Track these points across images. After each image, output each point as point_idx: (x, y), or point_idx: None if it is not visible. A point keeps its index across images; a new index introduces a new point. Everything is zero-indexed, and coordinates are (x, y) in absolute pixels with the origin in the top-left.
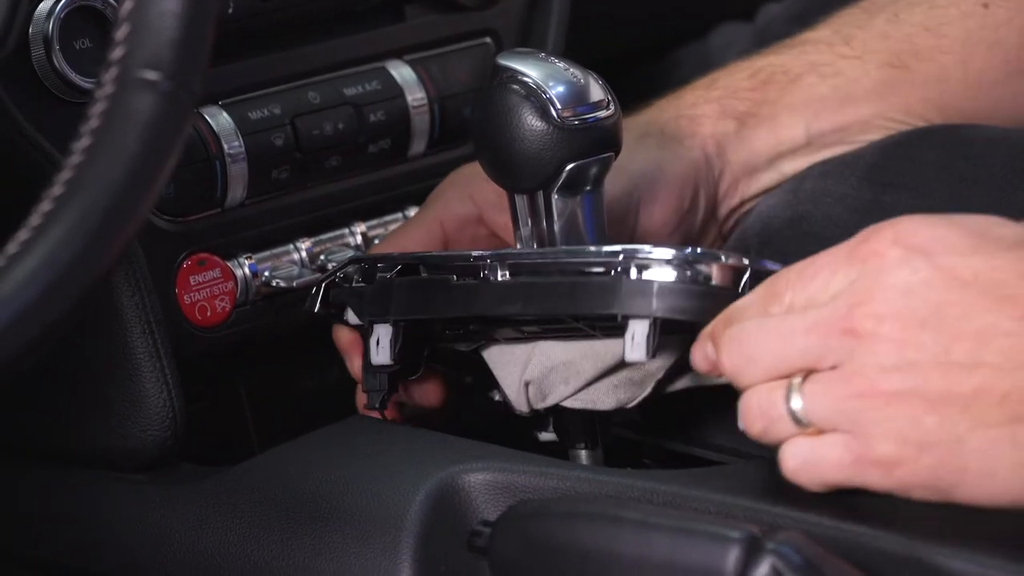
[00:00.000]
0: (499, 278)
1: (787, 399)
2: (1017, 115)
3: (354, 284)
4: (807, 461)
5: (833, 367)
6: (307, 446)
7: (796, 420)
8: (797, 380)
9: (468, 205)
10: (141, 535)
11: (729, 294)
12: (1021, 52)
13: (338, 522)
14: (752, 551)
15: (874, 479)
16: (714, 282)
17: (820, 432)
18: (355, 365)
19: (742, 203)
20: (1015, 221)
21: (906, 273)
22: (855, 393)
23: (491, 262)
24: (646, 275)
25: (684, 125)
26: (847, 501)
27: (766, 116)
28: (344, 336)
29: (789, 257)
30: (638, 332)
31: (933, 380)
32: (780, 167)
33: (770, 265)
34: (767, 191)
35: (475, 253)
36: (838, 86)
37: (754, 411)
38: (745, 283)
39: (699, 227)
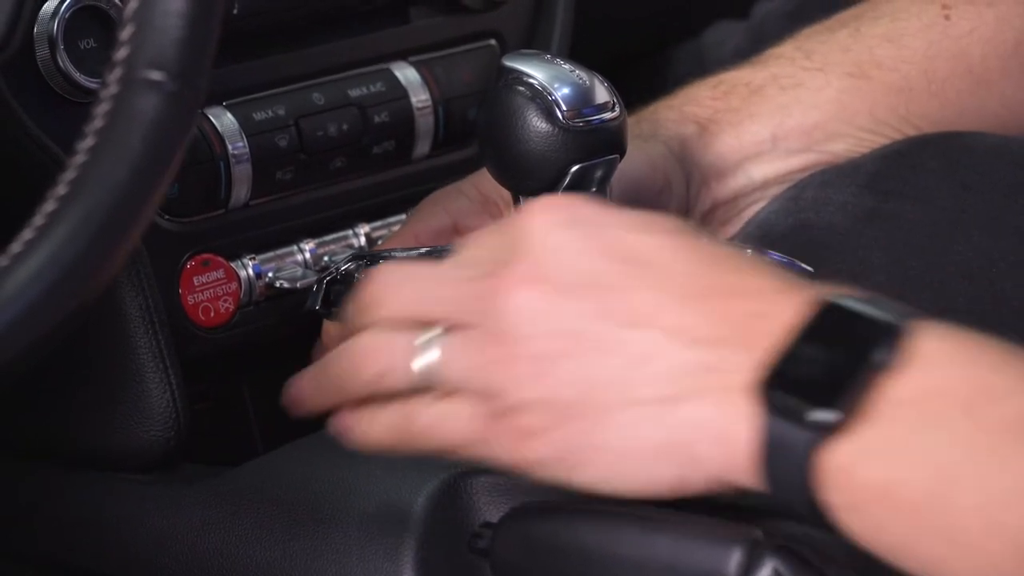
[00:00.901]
0: None
1: (418, 350)
2: (984, 123)
3: (356, 281)
4: (436, 420)
5: (475, 327)
6: (310, 447)
7: (423, 375)
8: (436, 332)
9: (441, 216)
10: (144, 535)
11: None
12: (985, 62)
13: (340, 523)
14: (754, 554)
15: (502, 449)
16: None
17: (447, 394)
18: None
19: (715, 206)
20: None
21: (562, 238)
22: (497, 356)
23: None
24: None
25: (645, 128)
26: None
27: (729, 123)
28: (334, 330)
29: None
30: None
31: (568, 349)
32: (748, 171)
33: (775, 255)
34: (738, 196)
35: None
36: (800, 96)
37: (376, 351)
38: None
39: None
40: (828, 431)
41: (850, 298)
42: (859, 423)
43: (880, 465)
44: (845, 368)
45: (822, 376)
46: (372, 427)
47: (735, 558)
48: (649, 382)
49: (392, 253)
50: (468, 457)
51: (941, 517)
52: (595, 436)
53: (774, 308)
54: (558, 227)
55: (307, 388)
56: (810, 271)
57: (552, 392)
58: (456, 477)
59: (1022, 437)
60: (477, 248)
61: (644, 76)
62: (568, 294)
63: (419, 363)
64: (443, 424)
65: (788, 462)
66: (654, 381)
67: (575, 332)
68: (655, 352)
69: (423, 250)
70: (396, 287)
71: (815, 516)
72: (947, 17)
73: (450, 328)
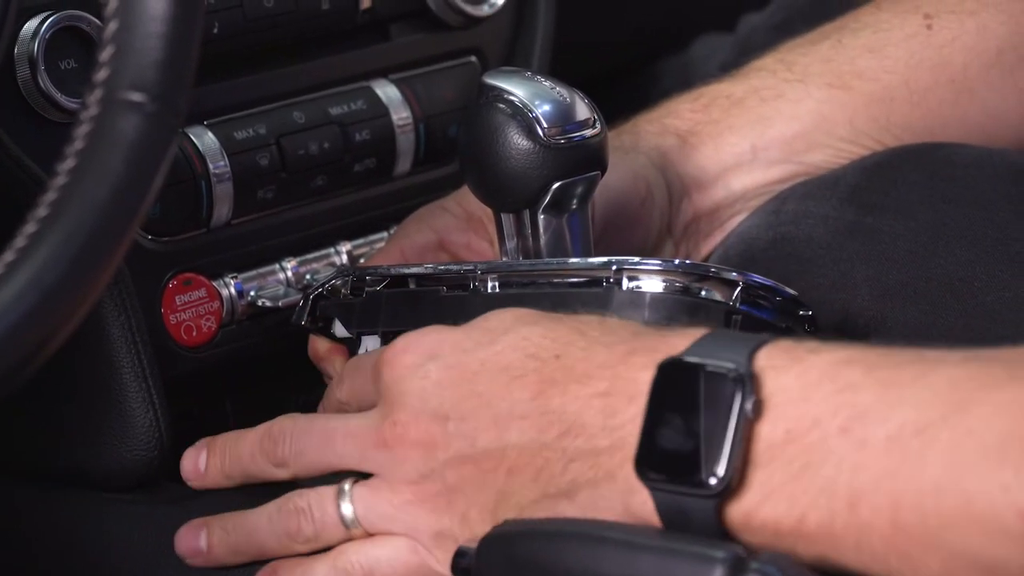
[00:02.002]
0: (489, 289)
1: (337, 503)
2: (966, 133)
3: (342, 296)
4: (372, 566)
5: (376, 475)
6: None
7: (346, 524)
8: (347, 485)
9: (427, 233)
10: (127, 555)
11: (719, 306)
12: (967, 71)
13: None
14: (736, 571)
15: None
16: (704, 294)
17: (371, 536)
18: (336, 371)
19: (696, 217)
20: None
21: (419, 378)
22: (402, 501)
23: (481, 274)
24: (637, 286)
25: (626, 140)
26: None
27: (709, 135)
28: (321, 346)
29: (772, 278)
30: None
31: (466, 475)
32: (728, 183)
33: (759, 279)
34: (719, 207)
35: (465, 265)
36: (780, 108)
37: (305, 512)
38: (737, 296)
39: (654, 239)
40: (720, 488)
41: (688, 352)
42: (751, 472)
43: (783, 504)
44: (713, 434)
45: (693, 448)
46: None
47: (718, 575)
48: (544, 483)
49: (378, 269)
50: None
51: (852, 535)
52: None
53: (618, 384)
54: (413, 371)
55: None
56: (794, 294)
57: (460, 520)
58: None
59: (908, 451)
60: (355, 381)
61: (631, 90)
62: (440, 428)
63: (341, 515)
64: (381, 568)
65: (697, 523)
66: (549, 480)
67: (455, 460)
68: (534, 456)
69: (410, 267)
70: (308, 441)
71: (748, 553)
72: (929, 27)
73: (356, 480)
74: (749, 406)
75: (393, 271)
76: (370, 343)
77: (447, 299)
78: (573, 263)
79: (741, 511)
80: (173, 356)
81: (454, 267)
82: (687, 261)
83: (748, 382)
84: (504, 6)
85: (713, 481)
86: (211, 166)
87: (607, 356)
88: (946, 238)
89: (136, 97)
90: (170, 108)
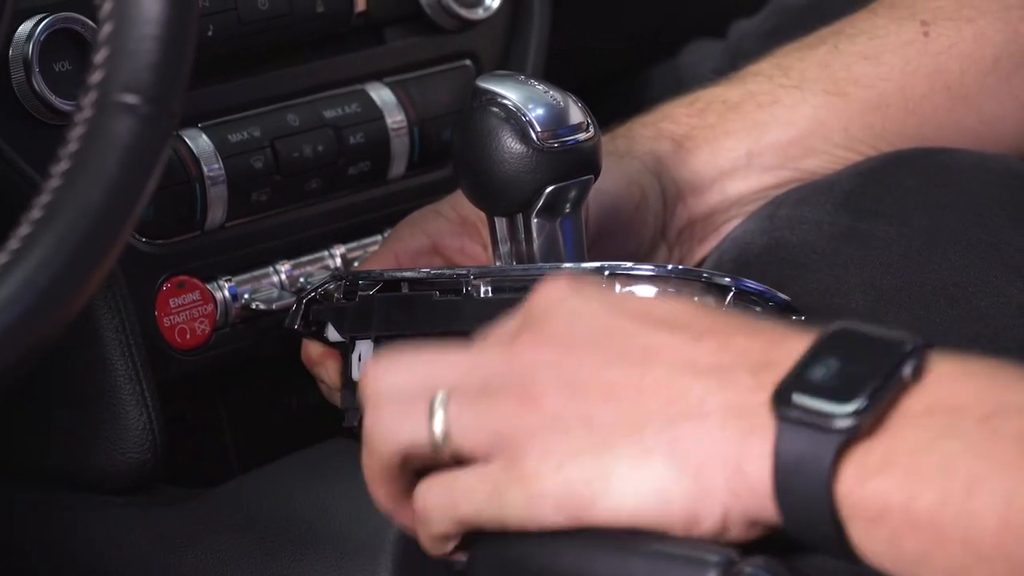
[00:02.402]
0: (482, 294)
1: (429, 418)
2: (962, 140)
3: (335, 300)
4: (447, 491)
5: (486, 386)
6: (287, 468)
7: (435, 445)
8: (440, 396)
9: (420, 238)
10: (120, 558)
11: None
12: (964, 78)
13: (318, 545)
14: (730, 574)
15: (516, 498)
16: (696, 299)
17: (457, 463)
18: (329, 375)
19: (691, 223)
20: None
21: (573, 302)
22: (507, 410)
23: (474, 279)
24: (629, 291)
25: (621, 145)
26: None
27: (705, 139)
28: (314, 350)
29: (766, 283)
30: None
31: (589, 395)
32: (723, 188)
33: (751, 284)
34: (714, 212)
35: (458, 269)
36: (776, 113)
37: (389, 429)
38: (729, 302)
39: (648, 243)
40: (850, 434)
41: (859, 325)
42: (878, 431)
43: (899, 475)
44: (864, 376)
45: (839, 383)
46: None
47: None
48: (655, 413)
49: (371, 273)
50: (494, 521)
51: (960, 526)
52: (604, 471)
53: (781, 342)
54: (567, 295)
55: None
56: (787, 300)
57: (562, 434)
58: None
59: None
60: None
61: (622, 96)
62: (577, 348)
63: (436, 424)
64: (455, 492)
65: (808, 478)
66: (659, 411)
67: (583, 381)
68: (661, 385)
69: (404, 272)
70: (410, 363)
71: (831, 537)
72: (926, 34)
73: (457, 390)
74: (909, 370)
75: (386, 275)
76: (363, 347)
77: (440, 303)
78: (566, 268)
79: (856, 473)
80: (167, 359)
81: (447, 271)
82: (680, 266)
83: (918, 350)
84: (499, 10)
85: (844, 422)
86: (205, 169)
87: (764, 325)
88: (940, 243)
89: (130, 99)
90: (164, 110)
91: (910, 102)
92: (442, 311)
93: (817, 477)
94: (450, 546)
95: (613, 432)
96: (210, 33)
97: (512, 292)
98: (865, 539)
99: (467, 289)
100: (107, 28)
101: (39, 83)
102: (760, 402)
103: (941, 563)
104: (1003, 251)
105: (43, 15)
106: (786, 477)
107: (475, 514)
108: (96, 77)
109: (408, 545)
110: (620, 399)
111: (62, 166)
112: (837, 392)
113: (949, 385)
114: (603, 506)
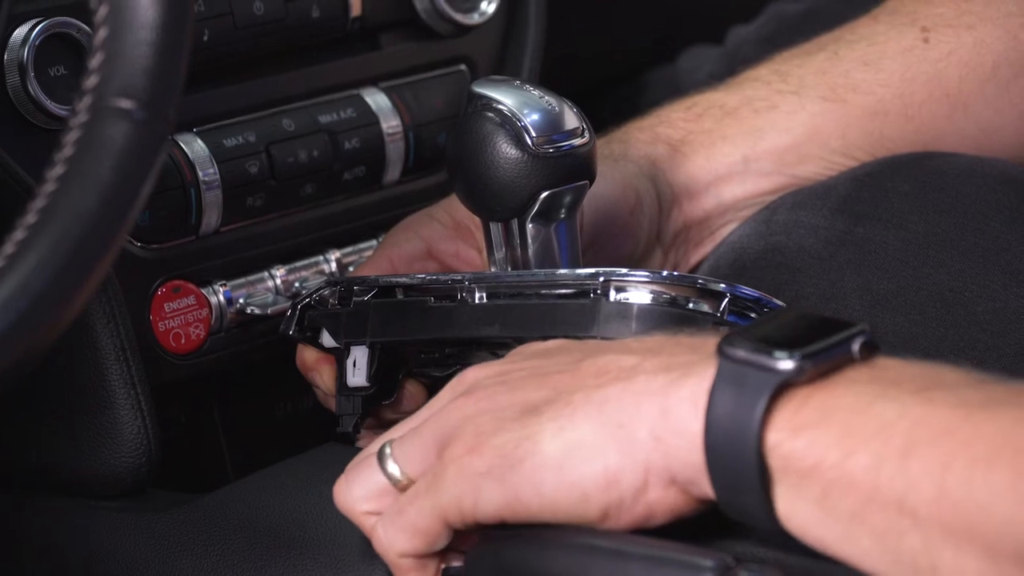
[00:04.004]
0: (476, 300)
1: (382, 468)
2: (960, 148)
3: (330, 306)
4: (397, 510)
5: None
6: (281, 473)
7: (394, 482)
8: (385, 447)
9: (415, 242)
10: (115, 563)
11: (708, 317)
12: (962, 85)
13: (312, 550)
14: None
15: (448, 482)
16: (691, 306)
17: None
18: (324, 380)
19: (687, 227)
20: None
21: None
22: (440, 424)
23: (468, 284)
24: (624, 297)
25: (616, 149)
26: None
27: (701, 144)
28: (310, 355)
29: (763, 287)
30: None
31: (523, 386)
32: (719, 193)
33: (746, 291)
34: (710, 216)
35: (453, 275)
36: (773, 119)
37: (359, 493)
38: (724, 307)
39: (643, 248)
40: (789, 377)
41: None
42: (817, 389)
43: (835, 432)
44: (812, 336)
45: (788, 336)
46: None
47: None
48: (585, 384)
49: (366, 279)
50: (437, 511)
51: (896, 489)
52: (532, 434)
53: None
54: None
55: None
56: (782, 306)
57: (495, 415)
58: None
59: (973, 416)
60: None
61: (618, 102)
62: (515, 370)
63: (388, 476)
64: (413, 496)
65: (737, 419)
66: (590, 382)
67: (519, 380)
68: (596, 365)
69: (398, 278)
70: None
71: (756, 496)
72: (926, 40)
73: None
74: (856, 347)
75: (381, 281)
76: (358, 353)
77: (435, 310)
78: (561, 274)
79: (790, 424)
80: (161, 363)
81: (442, 278)
82: (675, 273)
83: (868, 336)
84: (494, 15)
85: (786, 364)
86: (200, 173)
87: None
88: (936, 248)
89: (125, 104)
90: (159, 115)
91: (909, 109)
92: (436, 317)
93: (749, 422)
94: (431, 567)
95: (543, 405)
96: (205, 38)
97: (506, 299)
98: (794, 499)
99: (462, 295)
100: (102, 33)
101: (34, 87)
102: (697, 359)
103: (874, 525)
104: (1000, 256)
105: (39, 20)
106: (717, 416)
107: (419, 513)
108: (91, 82)
109: None
110: (553, 384)
111: (57, 170)
112: (783, 342)
113: (892, 366)
114: (530, 465)
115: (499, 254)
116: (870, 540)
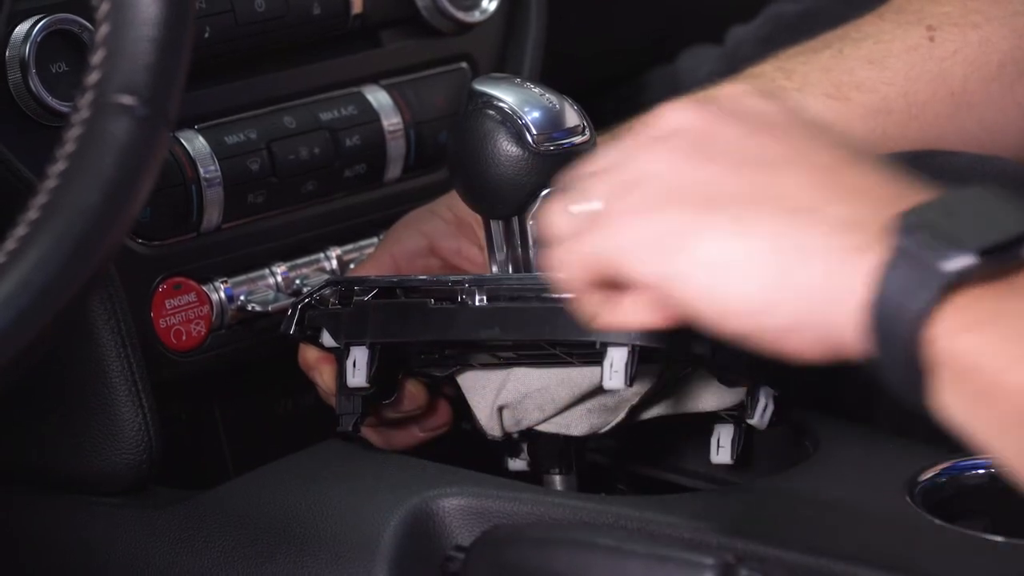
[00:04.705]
0: (477, 303)
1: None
2: (964, 147)
3: (330, 306)
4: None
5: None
6: (282, 470)
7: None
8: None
9: (417, 238)
10: (115, 559)
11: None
12: (967, 84)
13: (312, 547)
14: None
15: (614, 229)
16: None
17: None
18: (325, 379)
19: None
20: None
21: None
22: (621, 180)
23: (469, 287)
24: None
25: None
26: (820, 530)
27: None
28: (311, 354)
29: None
30: (617, 360)
31: (714, 166)
32: None
33: None
34: None
35: (453, 277)
36: None
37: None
38: None
39: None
40: (959, 278)
41: (1004, 193)
42: (987, 290)
43: (996, 339)
44: (990, 230)
45: (963, 229)
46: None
47: None
48: (771, 200)
49: (367, 279)
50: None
51: None
52: (699, 223)
53: (915, 188)
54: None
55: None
56: None
57: (672, 181)
58: (428, 500)
59: None
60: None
61: (619, 100)
62: (723, 122)
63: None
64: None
65: (902, 305)
66: (775, 201)
67: (716, 149)
68: (786, 185)
69: (399, 279)
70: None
71: (909, 377)
72: (931, 39)
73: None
74: None
75: (382, 282)
76: (358, 354)
77: (435, 311)
78: None
79: (953, 322)
80: (162, 360)
81: (443, 279)
82: None
83: None
84: (495, 13)
85: (958, 263)
86: (201, 171)
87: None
88: None
89: (127, 100)
90: (161, 112)
91: (913, 107)
92: (437, 319)
93: (913, 310)
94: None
95: (722, 196)
96: (206, 35)
97: (507, 301)
98: (949, 391)
99: (462, 297)
100: (104, 29)
101: (35, 84)
102: (878, 225)
103: (1018, 443)
104: None
105: (40, 16)
106: (883, 302)
107: (592, 250)
108: (93, 78)
109: (403, 547)
110: (748, 178)
111: (58, 167)
112: (959, 235)
113: None
114: (686, 259)
115: (500, 255)
116: (1016, 452)
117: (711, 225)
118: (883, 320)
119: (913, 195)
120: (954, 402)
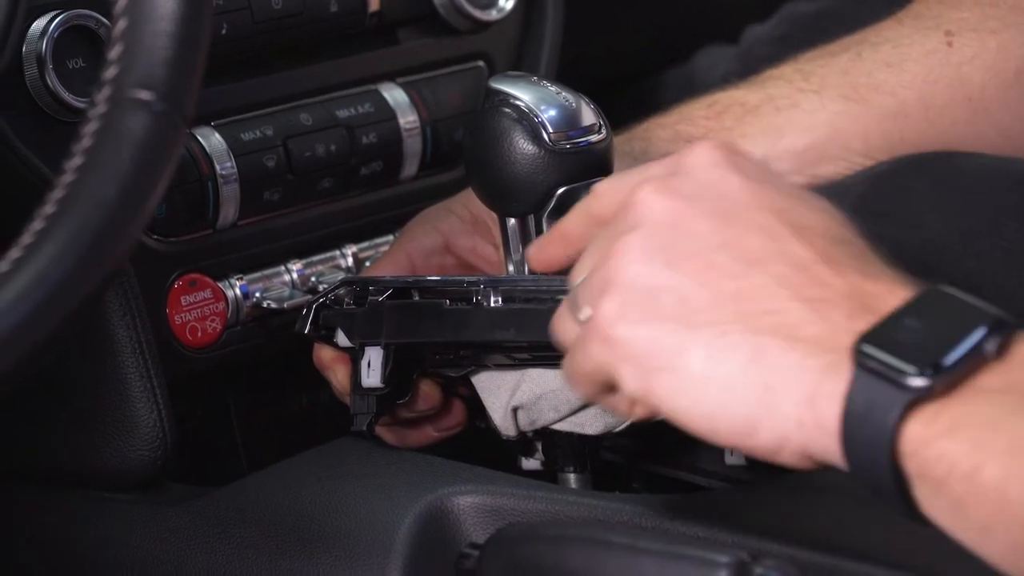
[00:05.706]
0: (492, 304)
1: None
2: (980, 151)
3: (345, 306)
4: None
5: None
6: (296, 467)
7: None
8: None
9: (433, 236)
10: (130, 555)
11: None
12: (985, 90)
13: (327, 544)
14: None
15: (593, 346)
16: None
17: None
18: (339, 379)
19: None
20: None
21: (721, 170)
22: (602, 279)
23: (484, 288)
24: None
25: (637, 146)
26: (833, 530)
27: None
28: (326, 354)
29: None
30: None
31: (691, 268)
32: None
33: None
34: None
35: (468, 278)
36: (793, 118)
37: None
38: None
39: None
40: (920, 394)
41: (957, 292)
42: (950, 398)
43: (966, 443)
44: (947, 343)
45: (921, 344)
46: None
47: None
48: (747, 316)
49: (382, 280)
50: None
51: (1022, 502)
52: (680, 344)
53: (886, 291)
54: (719, 163)
55: None
56: None
57: (650, 296)
58: (443, 498)
59: None
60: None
61: (635, 99)
62: (696, 210)
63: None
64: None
65: (872, 424)
66: (752, 317)
67: (688, 252)
68: (761, 293)
69: (412, 278)
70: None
71: (893, 492)
72: (950, 44)
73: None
74: (993, 346)
75: (397, 282)
76: (372, 354)
77: (450, 312)
78: None
79: (922, 434)
80: (177, 357)
81: (458, 280)
82: None
83: (1007, 327)
84: (512, 11)
85: (917, 382)
86: (218, 167)
87: (875, 267)
88: (952, 247)
89: (144, 95)
90: (178, 107)
91: (930, 112)
92: (452, 320)
93: (883, 428)
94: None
95: (701, 315)
96: (224, 32)
97: (522, 303)
98: (931, 501)
99: (477, 299)
100: (121, 24)
101: (52, 80)
102: (846, 345)
103: (1004, 537)
104: (1016, 256)
105: (57, 12)
106: (853, 422)
107: (591, 366)
108: (110, 73)
109: (417, 544)
110: (717, 289)
111: (75, 161)
112: (917, 353)
113: None
114: (670, 377)
115: (516, 255)
116: (1003, 549)
117: (689, 346)
118: (857, 440)
119: (884, 290)
120: (937, 510)
